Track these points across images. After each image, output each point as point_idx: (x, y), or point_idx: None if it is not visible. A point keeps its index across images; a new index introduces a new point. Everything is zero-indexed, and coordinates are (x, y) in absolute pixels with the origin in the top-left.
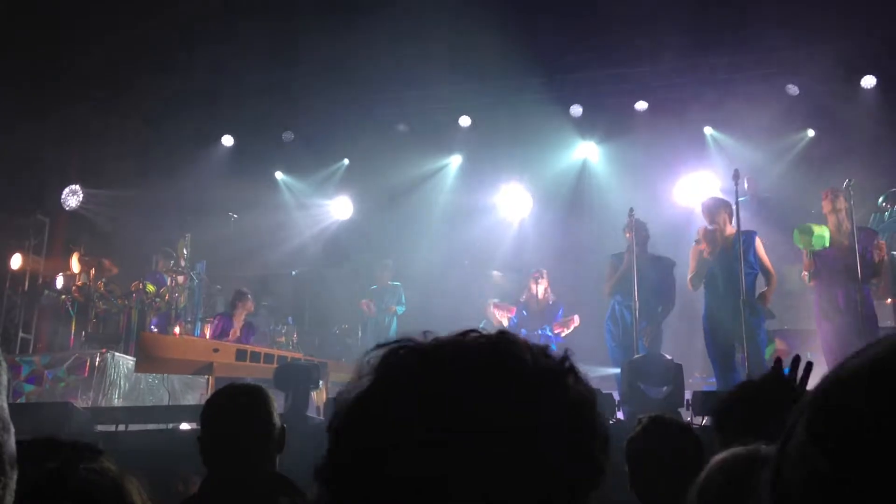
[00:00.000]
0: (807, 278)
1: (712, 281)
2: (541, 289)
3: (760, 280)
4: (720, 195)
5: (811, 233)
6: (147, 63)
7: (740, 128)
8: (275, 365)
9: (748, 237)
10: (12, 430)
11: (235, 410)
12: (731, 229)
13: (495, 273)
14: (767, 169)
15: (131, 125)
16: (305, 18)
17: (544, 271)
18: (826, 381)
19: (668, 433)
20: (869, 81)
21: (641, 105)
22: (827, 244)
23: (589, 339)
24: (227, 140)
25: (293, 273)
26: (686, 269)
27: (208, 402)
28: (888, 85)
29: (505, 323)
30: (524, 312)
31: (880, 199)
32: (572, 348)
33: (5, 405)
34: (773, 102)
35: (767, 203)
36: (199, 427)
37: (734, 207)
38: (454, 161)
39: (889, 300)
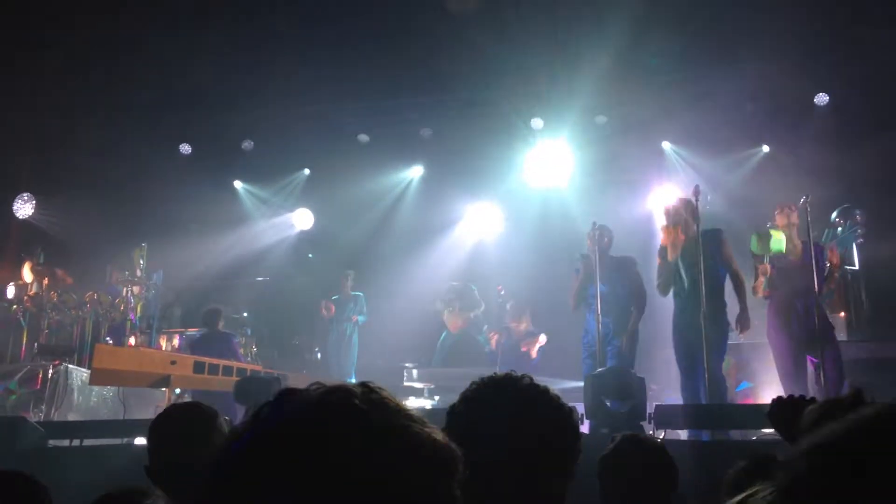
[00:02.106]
0: (760, 289)
1: (678, 285)
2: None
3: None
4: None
5: (769, 238)
6: (102, 69)
7: (697, 143)
8: (234, 377)
9: (713, 235)
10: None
11: (181, 436)
12: (693, 229)
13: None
14: (723, 183)
15: (86, 132)
16: (265, 27)
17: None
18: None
19: (640, 450)
20: (822, 99)
21: (601, 119)
22: (783, 249)
23: (559, 353)
24: (185, 148)
25: (258, 279)
26: (650, 272)
27: (151, 429)
28: (840, 102)
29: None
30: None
31: (833, 215)
32: (542, 362)
33: None
34: (728, 118)
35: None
36: (147, 454)
37: (694, 204)
38: (415, 172)
39: (842, 313)
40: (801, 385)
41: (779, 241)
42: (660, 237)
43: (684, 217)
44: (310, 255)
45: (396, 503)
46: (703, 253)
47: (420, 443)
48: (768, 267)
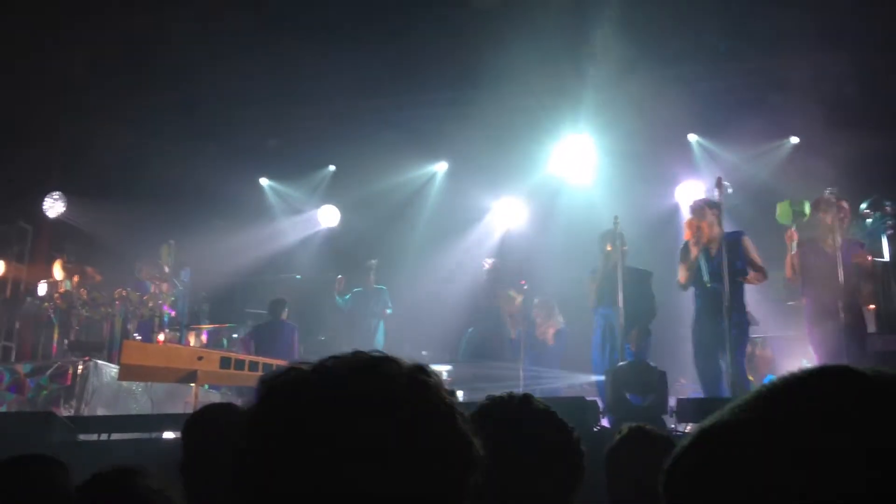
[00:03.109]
0: (791, 275)
1: (700, 284)
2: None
3: (749, 286)
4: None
5: (802, 210)
6: (129, 69)
7: (724, 135)
8: (259, 372)
9: (734, 237)
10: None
11: (216, 434)
12: (717, 230)
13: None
14: (750, 175)
15: (114, 131)
16: (288, 24)
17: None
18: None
19: (648, 443)
20: (851, 90)
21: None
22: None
23: (574, 347)
24: (212, 146)
25: (284, 276)
26: (666, 278)
27: (186, 427)
28: (869, 93)
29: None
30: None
31: (863, 205)
32: (561, 357)
33: None
34: (756, 110)
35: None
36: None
37: (720, 212)
38: (440, 167)
39: (872, 306)
40: None
41: (804, 213)
42: (684, 233)
43: (707, 215)
44: (374, 261)
45: (424, 487)
46: (726, 252)
47: (460, 437)
48: (794, 233)
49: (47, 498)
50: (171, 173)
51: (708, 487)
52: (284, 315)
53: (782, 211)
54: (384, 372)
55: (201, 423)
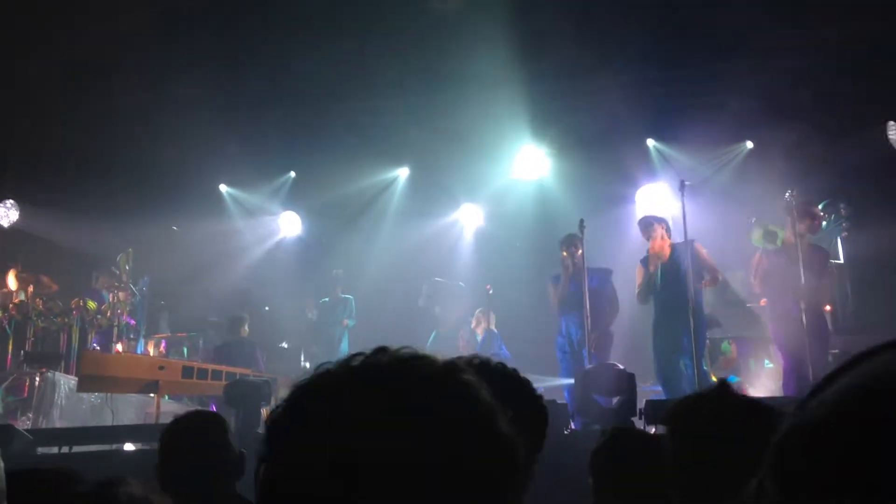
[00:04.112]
0: (757, 284)
1: (658, 294)
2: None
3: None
4: (653, 212)
5: (776, 235)
6: (83, 74)
7: (682, 139)
8: (223, 381)
9: (685, 247)
10: (1, 464)
11: (194, 439)
12: (668, 241)
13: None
14: (708, 180)
15: (67, 137)
16: (248, 28)
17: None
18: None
19: (632, 444)
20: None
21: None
22: (780, 245)
23: (539, 351)
24: (170, 152)
25: (245, 283)
26: (627, 279)
27: (166, 430)
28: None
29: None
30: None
31: (818, 208)
32: (524, 360)
33: None
34: (712, 115)
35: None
36: (158, 455)
37: (670, 221)
38: (402, 172)
39: (828, 306)
40: (802, 384)
41: (780, 237)
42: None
43: (659, 231)
44: (339, 271)
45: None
46: (682, 261)
47: (502, 439)
48: (762, 258)
49: None
50: (128, 180)
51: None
52: (244, 331)
53: (756, 235)
54: (419, 374)
55: (180, 431)
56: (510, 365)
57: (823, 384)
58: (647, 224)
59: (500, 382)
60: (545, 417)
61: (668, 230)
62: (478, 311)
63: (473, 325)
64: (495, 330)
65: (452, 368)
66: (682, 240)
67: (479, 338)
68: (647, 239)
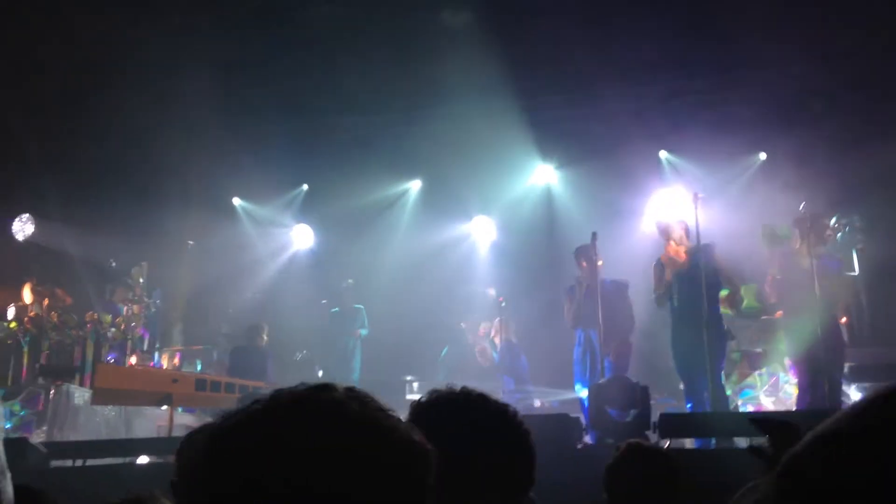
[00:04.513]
0: (772, 295)
1: (674, 306)
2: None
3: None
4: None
5: (782, 233)
6: (97, 90)
7: (695, 151)
8: (236, 394)
9: (705, 251)
10: (9, 475)
11: None
12: (687, 244)
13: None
14: (721, 192)
15: (82, 152)
16: (261, 43)
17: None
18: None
19: (646, 458)
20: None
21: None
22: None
23: (553, 365)
24: (183, 166)
25: (258, 295)
26: (640, 290)
27: (181, 448)
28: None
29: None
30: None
31: (832, 221)
32: (536, 372)
33: (2, 451)
34: (726, 126)
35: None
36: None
37: (688, 224)
38: (414, 185)
39: (844, 318)
40: (817, 399)
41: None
42: (660, 249)
43: (679, 234)
44: (350, 281)
45: (369, 489)
46: (700, 266)
47: (392, 433)
48: (772, 272)
49: None
50: (141, 194)
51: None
52: (261, 340)
53: (764, 235)
54: (321, 401)
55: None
56: (525, 377)
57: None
58: (666, 224)
59: (478, 417)
60: (529, 454)
61: (687, 232)
62: (496, 320)
63: (492, 334)
64: (514, 340)
65: (351, 390)
66: (701, 244)
67: (498, 348)
68: (665, 240)
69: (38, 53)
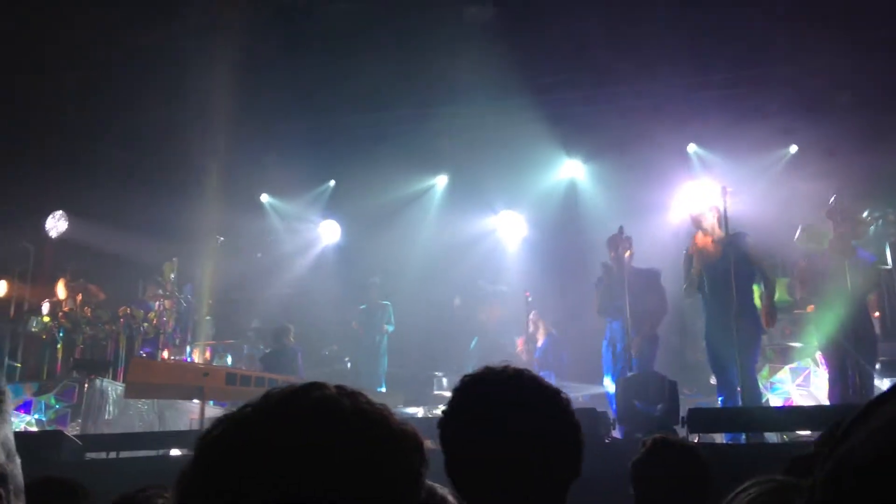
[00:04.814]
0: (799, 289)
1: (705, 291)
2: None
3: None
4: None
5: (823, 236)
6: (127, 88)
7: (724, 145)
8: (265, 388)
9: (737, 239)
10: (18, 460)
11: None
12: (719, 234)
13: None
14: (751, 185)
15: (114, 150)
16: (286, 41)
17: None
18: (836, 452)
19: (673, 453)
20: (847, 97)
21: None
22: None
23: (581, 359)
24: (212, 162)
25: (287, 291)
26: (676, 280)
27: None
28: (865, 102)
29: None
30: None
31: (864, 213)
32: (566, 367)
33: (11, 435)
34: (755, 119)
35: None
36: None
37: (722, 213)
38: (440, 181)
39: (877, 313)
40: (849, 392)
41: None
42: (688, 241)
43: (711, 223)
44: (376, 279)
45: (362, 482)
46: (731, 256)
47: (384, 427)
48: (803, 262)
49: None
50: (172, 191)
51: None
52: (289, 341)
53: (802, 237)
54: (312, 398)
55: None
56: (565, 372)
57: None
58: (699, 213)
59: (531, 396)
60: (577, 436)
61: (719, 220)
62: (532, 313)
63: (531, 328)
64: (555, 332)
65: (342, 388)
66: (734, 233)
67: (540, 342)
68: (697, 229)
69: (69, 52)
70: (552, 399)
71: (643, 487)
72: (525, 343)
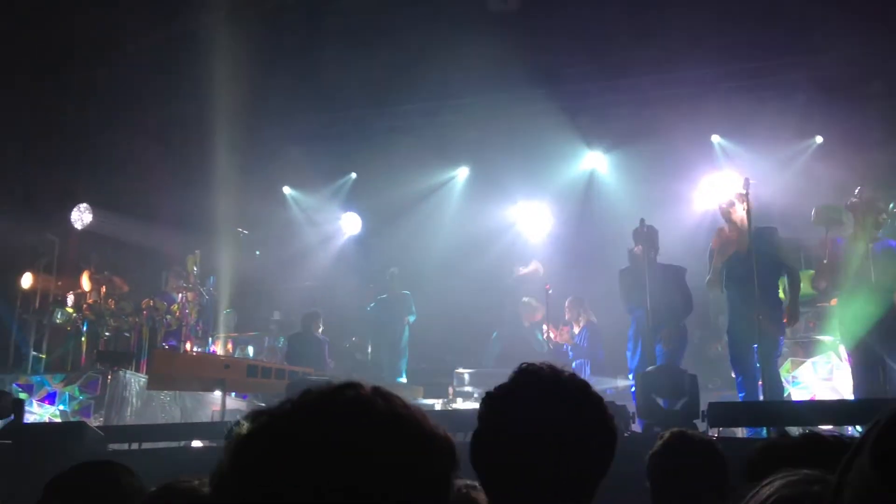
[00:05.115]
0: (822, 281)
1: (730, 284)
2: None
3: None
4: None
5: (839, 212)
6: (151, 81)
7: (748, 135)
8: (286, 380)
9: (767, 233)
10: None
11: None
12: (736, 230)
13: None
14: (775, 176)
15: (138, 143)
16: (307, 33)
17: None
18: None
19: (690, 447)
20: (875, 87)
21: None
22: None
23: (611, 351)
24: (235, 156)
25: (308, 283)
26: (700, 276)
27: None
28: (891, 92)
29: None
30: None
31: (892, 205)
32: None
33: None
34: (780, 109)
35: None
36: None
37: (748, 206)
38: (461, 172)
39: None
40: (874, 387)
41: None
42: (712, 233)
43: (740, 215)
44: (395, 269)
45: (394, 483)
46: (757, 250)
47: (418, 429)
48: (827, 240)
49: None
50: (194, 183)
51: None
52: (317, 328)
53: (818, 216)
54: (348, 398)
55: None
56: (602, 363)
57: None
58: (728, 203)
59: (570, 397)
60: (612, 434)
61: (746, 213)
62: (568, 300)
63: (567, 316)
64: (595, 321)
65: (376, 389)
66: (761, 227)
67: (578, 329)
68: (726, 221)
69: (93, 46)
70: (590, 402)
71: (660, 481)
72: (560, 330)
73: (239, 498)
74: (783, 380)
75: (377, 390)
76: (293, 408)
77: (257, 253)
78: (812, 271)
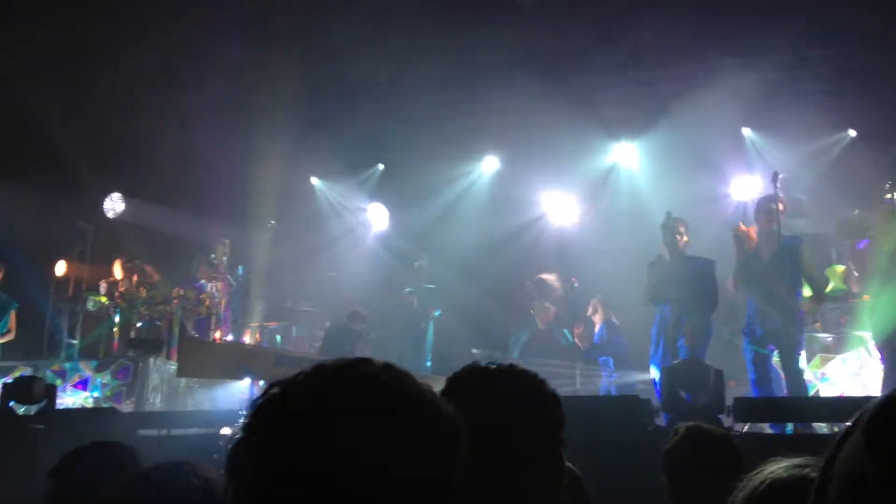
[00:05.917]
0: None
1: (753, 285)
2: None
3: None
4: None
5: (863, 223)
6: (184, 71)
7: (779, 129)
8: None
9: (791, 244)
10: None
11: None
12: (773, 227)
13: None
14: (806, 169)
15: (168, 133)
16: (335, 22)
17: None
18: (887, 393)
19: (706, 442)
20: None
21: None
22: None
23: (631, 345)
24: (264, 145)
25: (332, 274)
26: (726, 268)
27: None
28: None
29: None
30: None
31: None
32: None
33: None
34: (812, 103)
35: (801, 205)
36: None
37: (777, 207)
38: (489, 162)
39: None
40: None
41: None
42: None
43: (762, 218)
44: (422, 262)
45: (402, 457)
46: (782, 257)
47: (427, 406)
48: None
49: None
50: (224, 174)
51: None
52: (358, 325)
53: (840, 228)
54: (360, 371)
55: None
56: (625, 357)
57: None
58: (762, 211)
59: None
60: (556, 420)
61: (773, 217)
62: (593, 299)
63: (589, 312)
64: (615, 321)
65: (388, 365)
66: (788, 237)
67: (597, 328)
68: (756, 221)
69: (126, 41)
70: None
71: (675, 475)
72: (584, 329)
73: (251, 464)
74: (814, 376)
75: (388, 367)
76: (305, 379)
77: (272, 223)
78: (842, 267)
